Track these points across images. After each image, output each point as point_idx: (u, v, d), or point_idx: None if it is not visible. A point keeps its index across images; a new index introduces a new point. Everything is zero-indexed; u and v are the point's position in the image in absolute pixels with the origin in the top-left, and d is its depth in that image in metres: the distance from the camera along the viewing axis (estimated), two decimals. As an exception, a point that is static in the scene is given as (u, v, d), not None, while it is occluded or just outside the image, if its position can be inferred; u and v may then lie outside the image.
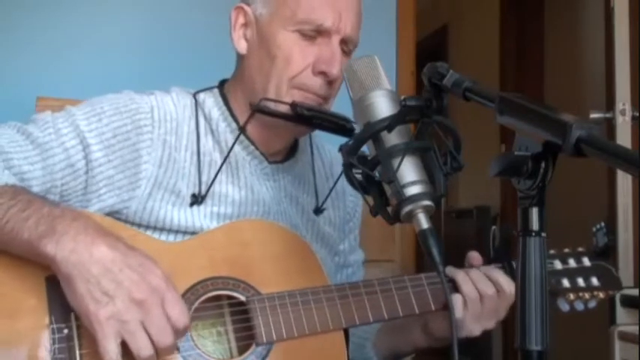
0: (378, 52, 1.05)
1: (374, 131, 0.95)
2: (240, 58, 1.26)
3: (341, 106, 1.19)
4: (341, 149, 0.99)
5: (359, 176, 0.98)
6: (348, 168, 0.97)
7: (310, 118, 1.18)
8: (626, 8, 2.21)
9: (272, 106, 1.19)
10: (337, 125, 1.20)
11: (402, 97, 0.95)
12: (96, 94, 1.22)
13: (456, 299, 1.19)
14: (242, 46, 1.25)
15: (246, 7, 1.24)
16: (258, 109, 1.20)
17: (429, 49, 4.49)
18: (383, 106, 0.97)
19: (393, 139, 0.95)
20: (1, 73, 1.93)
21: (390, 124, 0.94)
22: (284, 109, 1.19)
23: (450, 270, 1.22)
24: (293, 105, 1.18)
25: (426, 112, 0.95)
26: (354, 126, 1.18)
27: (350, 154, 0.96)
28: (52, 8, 2.00)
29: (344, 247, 1.42)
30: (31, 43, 1.96)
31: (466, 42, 4.46)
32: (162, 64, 2.04)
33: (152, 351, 0.97)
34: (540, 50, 3.67)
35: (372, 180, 0.96)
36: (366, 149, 0.98)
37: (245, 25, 1.25)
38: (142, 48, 2.06)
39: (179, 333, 1.00)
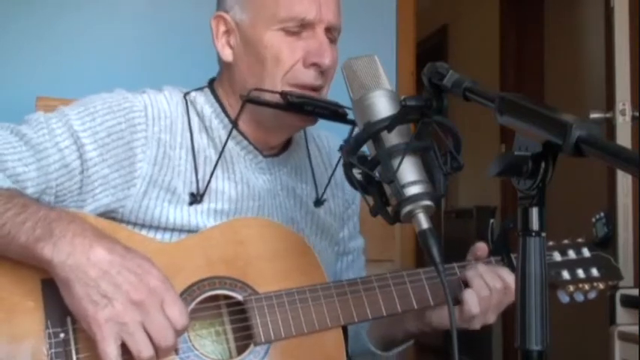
0: (378, 52, 1.05)
1: (374, 131, 0.95)
2: (226, 64, 1.26)
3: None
4: (341, 149, 0.99)
5: (359, 176, 0.98)
6: (348, 168, 0.97)
7: (301, 105, 1.18)
8: (626, 8, 2.21)
9: (262, 95, 1.19)
10: (329, 111, 1.20)
11: (402, 97, 0.95)
12: (96, 94, 1.22)
13: (470, 295, 1.19)
14: (227, 54, 1.24)
15: (225, 15, 1.24)
16: (248, 100, 1.20)
17: (429, 49, 4.49)
18: (383, 106, 0.97)
19: (393, 139, 0.95)
20: (1, 73, 1.93)
21: (390, 124, 0.94)
22: (274, 98, 1.19)
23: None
24: (283, 94, 1.18)
25: (426, 112, 0.94)
26: (347, 111, 1.19)
27: (350, 154, 0.96)
28: (52, 8, 2.00)
29: (343, 235, 1.42)
30: (31, 43, 1.96)
31: (466, 42, 4.46)
32: (162, 63, 2.03)
33: (152, 352, 0.97)
34: (540, 50, 3.67)
35: (372, 180, 0.96)
36: (366, 149, 0.98)
37: (227, 32, 1.24)
38: (142, 47, 2.06)
39: (178, 333, 1.00)
